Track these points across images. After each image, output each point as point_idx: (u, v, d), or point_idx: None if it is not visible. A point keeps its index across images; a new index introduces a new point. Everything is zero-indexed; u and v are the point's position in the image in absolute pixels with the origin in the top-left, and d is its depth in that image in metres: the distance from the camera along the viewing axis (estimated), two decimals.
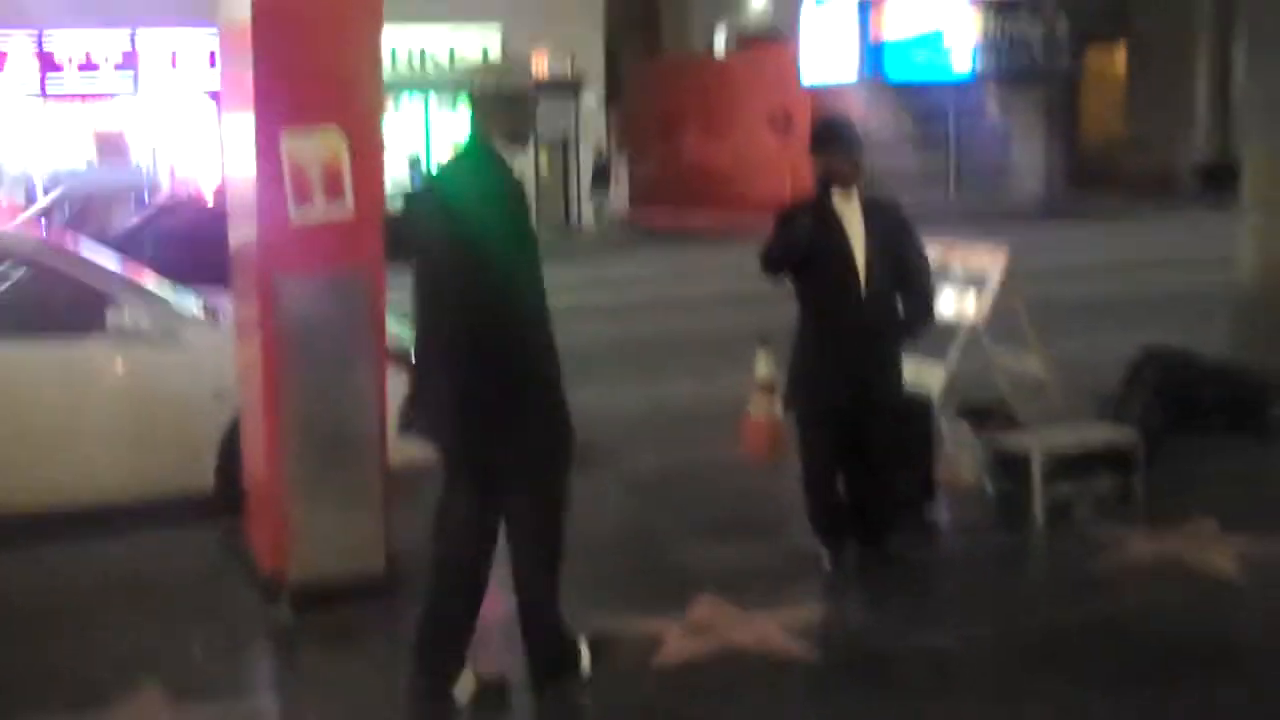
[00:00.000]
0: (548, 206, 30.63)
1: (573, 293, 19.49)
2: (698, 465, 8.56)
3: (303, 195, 5.75)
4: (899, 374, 6.42)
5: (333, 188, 5.78)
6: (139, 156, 28.02)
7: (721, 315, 15.82)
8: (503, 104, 4.84)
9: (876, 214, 6.24)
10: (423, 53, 29.58)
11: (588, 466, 8.75)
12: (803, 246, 5.97)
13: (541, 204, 30.33)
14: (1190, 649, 5.28)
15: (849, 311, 6.09)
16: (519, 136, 4.91)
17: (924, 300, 6.36)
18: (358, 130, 5.80)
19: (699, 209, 31.10)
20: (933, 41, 33.78)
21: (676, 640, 5.40)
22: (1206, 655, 5.24)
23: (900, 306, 6.29)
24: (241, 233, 6.27)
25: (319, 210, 5.76)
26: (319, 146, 5.75)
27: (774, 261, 6.14)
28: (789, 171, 27.72)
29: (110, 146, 28.76)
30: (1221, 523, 6.65)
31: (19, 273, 7.79)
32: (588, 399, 10.92)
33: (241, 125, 5.96)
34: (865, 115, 32.97)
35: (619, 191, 32.65)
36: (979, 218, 28.14)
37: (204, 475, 7.31)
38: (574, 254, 26.19)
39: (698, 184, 35.04)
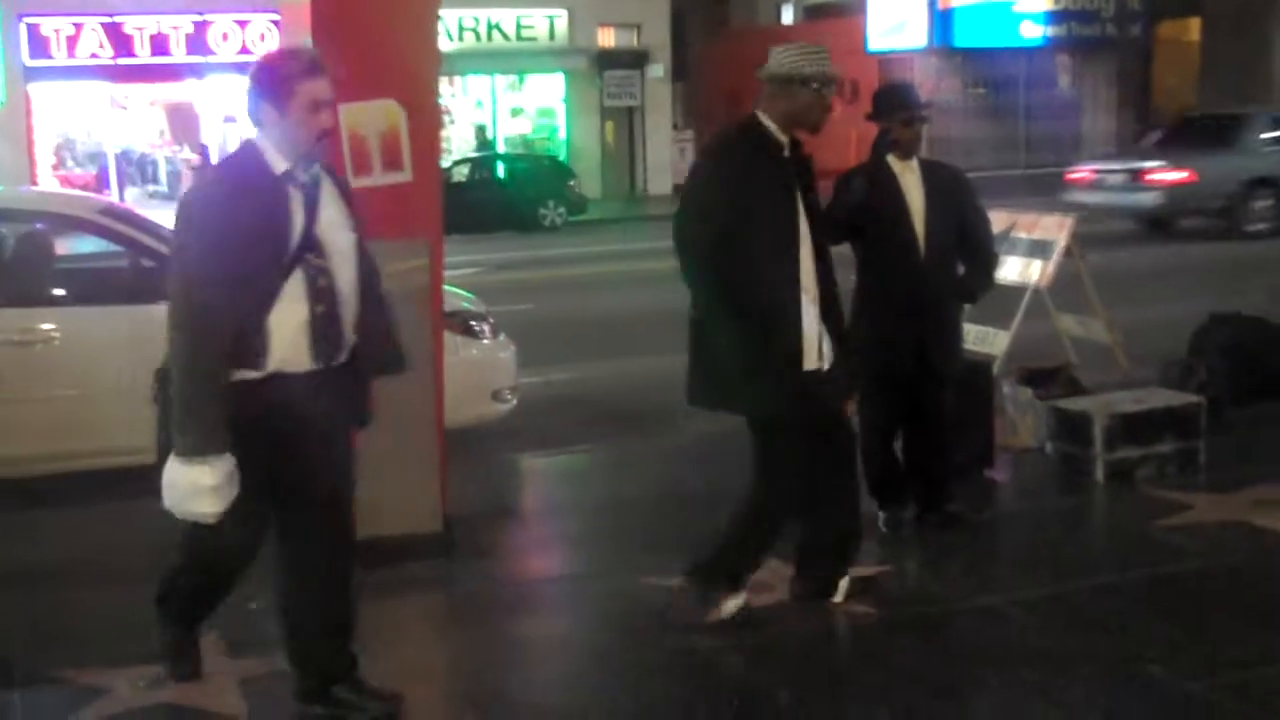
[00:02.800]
0: (614, 176, 30.73)
1: (643, 261, 19.57)
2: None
3: (362, 166, 5.81)
4: (958, 338, 6.41)
5: (391, 158, 5.84)
6: (208, 130, 28.37)
7: None
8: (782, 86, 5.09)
9: (936, 179, 6.20)
10: (490, 27, 29.68)
11: (643, 432, 8.85)
12: (857, 210, 5.94)
13: (607, 173, 30.46)
14: (1249, 608, 5.24)
15: (908, 276, 6.05)
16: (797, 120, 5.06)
17: (985, 265, 6.32)
18: (414, 103, 5.86)
19: None
20: (1002, 9, 33.36)
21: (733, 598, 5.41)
22: (1265, 613, 5.19)
23: (961, 271, 6.26)
24: None
25: (377, 179, 5.82)
26: (377, 118, 5.81)
27: (831, 226, 6.12)
28: (854, 140, 27.58)
29: (180, 120, 29.13)
30: None
31: (86, 240, 7.93)
32: (647, 366, 11.05)
33: None
34: (933, 83, 32.77)
35: (685, 163, 32.61)
36: (1050, 185, 27.92)
37: None
38: (646, 223, 26.26)
39: None
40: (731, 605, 5.20)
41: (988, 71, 33.96)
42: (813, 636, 5.10)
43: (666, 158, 31.66)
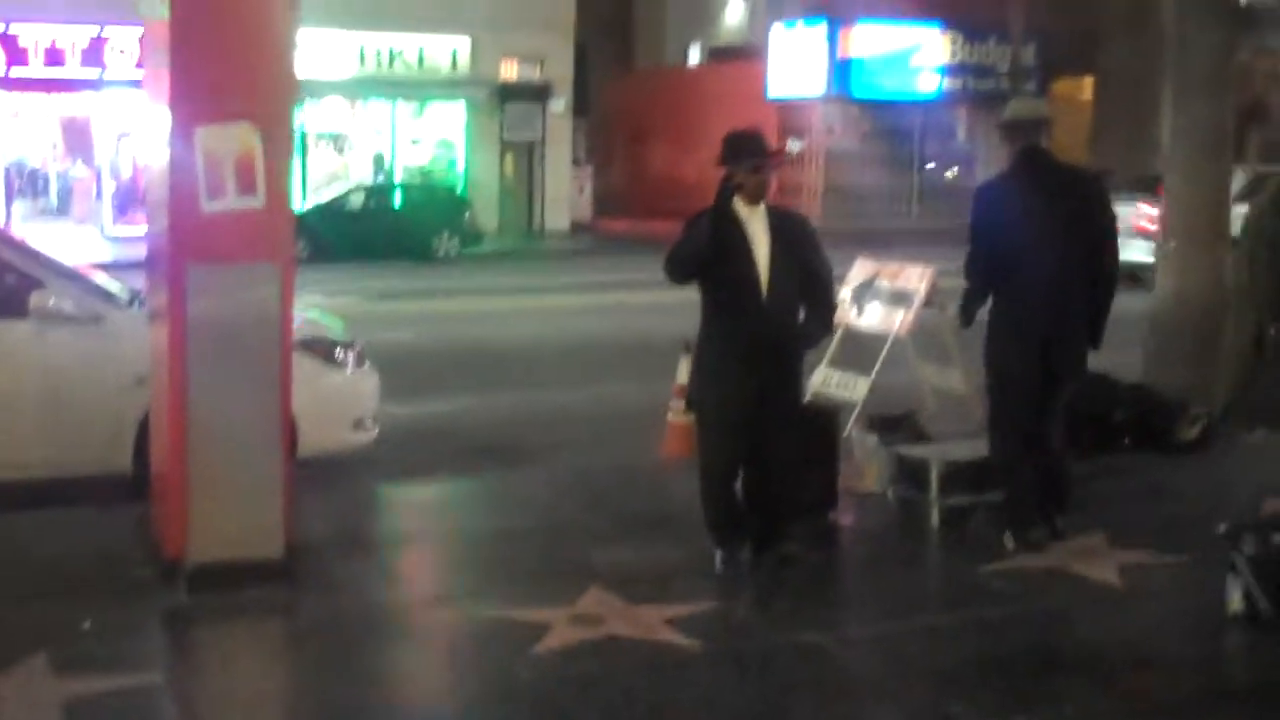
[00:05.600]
0: (513, 211, 30.81)
1: (532, 296, 19.71)
2: (621, 466, 8.73)
3: (216, 188, 5.88)
4: (798, 380, 6.57)
5: (245, 182, 5.92)
6: (101, 146, 28.05)
7: (670, 321, 15.91)
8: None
9: (781, 225, 6.39)
10: (392, 55, 29.67)
11: (507, 465, 8.95)
12: (701, 251, 6.11)
13: (505, 207, 30.54)
14: (1053, 650, 5.48)
15: (749, 318, 6.22)
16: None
17: (825, 309, 6.52)
18: (270, 127, 5.95)
19: (663, 219, 31.28)
20: (900, 61, 34.04)
21: (561, 629, 5.55)
22: (1073, 657, 5.43)
23: (802, 315, 6.45)
24: (157, 223, 6.39)
25: (231, 202, 5.89)
26: (233, 141, 5.89)
27: (676, 266, 6.29)
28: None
29: (76, 134, 28.76)
30: (1112, 537, 6.83)
31: None
32: (520, 400, 11.18)
33: (161, 119, 6.09)
34: (830, 131, 33.34)
35: (584, 199, 32.78)
36: (940, 236, 28.45)
37: (123, 458, 7.45)
38: (540, 258, 26.39)
39: (664, 194, 35.24)
40: None
41: (884, 123, 34.60)
42: (635, 669, 5.22)
43: (565, 193, 31.80)
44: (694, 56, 40.85)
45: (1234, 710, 5.00)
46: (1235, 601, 5.71)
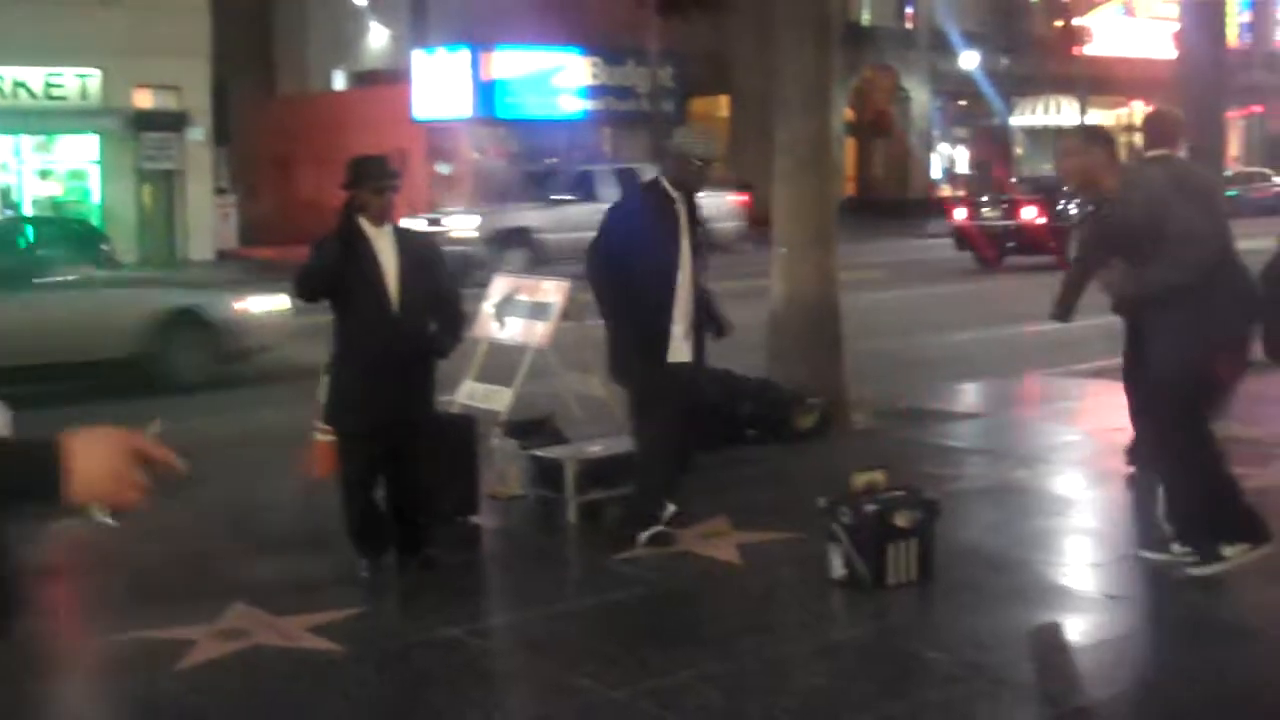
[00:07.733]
0: (154, 242, 29.94)
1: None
2: (266, 489, 8.76)
3: None
4: (430, 391, 6.84)
5: None
6: None
7: (319, 345, 15.91)
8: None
9: (408, 243, 6.67)
10: (16, 85, 28.45)
11: (158, 497, 8.86)
12: (328, 268, 6.32)
13: (145, 237, 29.65)
14: (678, 625, 5.93)
15: (381, 332, 6.47)
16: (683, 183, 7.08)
17: (454, 321, 6.81)
18: None
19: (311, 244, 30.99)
20: (541, 82, 34.81)
21: (206, 644, 5.64)
22: (695, 629, 5.90)
23: (433, 328, 6.72)
24: None
25: None
26: None
27: (305, 284, 6.49)
28: (403, 206, 28.02)
29: None
30: (734, 520, 7.35)
31: None
32: (170, 432, 11.02)
33: None
34: (478, 151, 33.79)
35: (229, 227, 32.13)
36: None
37: None
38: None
39: (311, 219, 34.87)
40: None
41: (531, 142, 35.29)
42: (279, 675, 5.38)
43: (208, 222, 31.11)
44: (338, 82, 40.63)
45: (833, 662, 5.52)
46: (837, 568, 6.28)
